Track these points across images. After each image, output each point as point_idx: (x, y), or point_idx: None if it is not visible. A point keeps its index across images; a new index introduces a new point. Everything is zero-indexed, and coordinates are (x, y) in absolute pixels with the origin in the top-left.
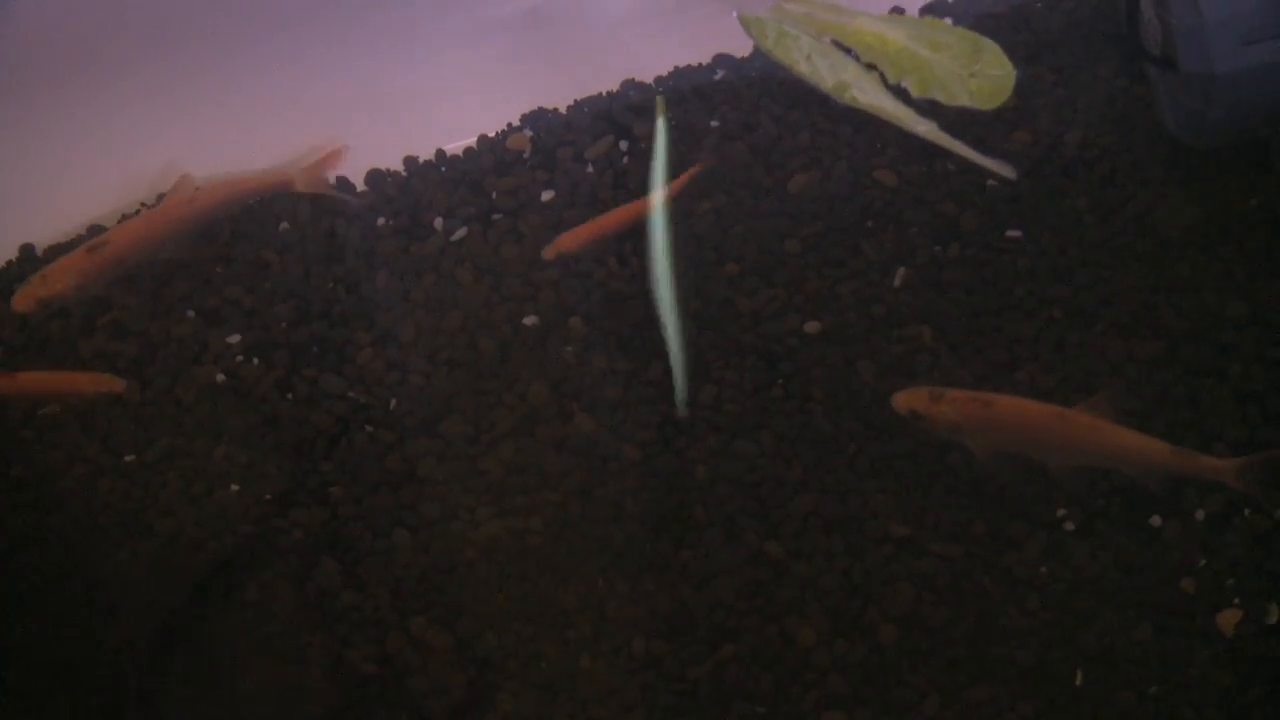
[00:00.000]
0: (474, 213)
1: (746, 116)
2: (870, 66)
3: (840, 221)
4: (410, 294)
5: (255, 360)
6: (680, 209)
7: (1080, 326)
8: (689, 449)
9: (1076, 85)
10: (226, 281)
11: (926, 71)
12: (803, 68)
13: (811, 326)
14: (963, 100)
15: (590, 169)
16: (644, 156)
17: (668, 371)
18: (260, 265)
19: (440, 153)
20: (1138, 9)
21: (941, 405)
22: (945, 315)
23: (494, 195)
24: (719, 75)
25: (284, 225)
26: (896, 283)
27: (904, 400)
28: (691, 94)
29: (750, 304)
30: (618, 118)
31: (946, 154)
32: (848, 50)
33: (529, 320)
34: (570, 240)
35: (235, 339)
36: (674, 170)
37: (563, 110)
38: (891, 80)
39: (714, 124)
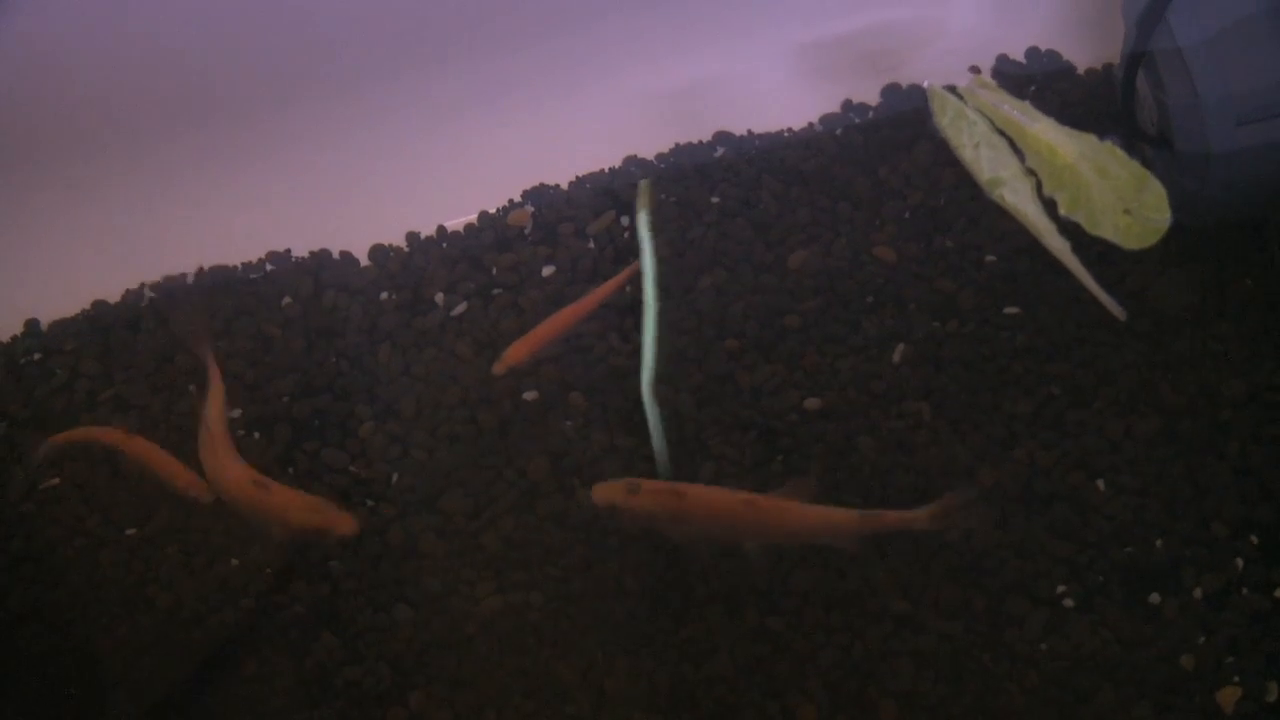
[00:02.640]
0: (475, 288)
1: (747, 193)
2: (1030, 172)
3: (840, 297)
4: (411, 368)
5: (257, 434)
6: (679, 285)
7: (1079, 403)
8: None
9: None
10: (229, 356)
11: (1083, 194)
12: (966, 153)
13: (811, 402)
14: (1106, 233)
15: (591, 244)
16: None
17: (669, 449)
18: (263, 340)
19: (442, 228)
20: (1134, 89)
21: (637, 498)
22: (944, 391)
23: (495, 271)
24: (719, 152)
25: (286, 300)
26: (896, 359)
27: (601, 494)
28: (693, 171)
29: (750, 379)
30: (619, 193)
31: (945, 231)
32: (1016, 150)
33: (529, 395)
34: (519, 351)
35: (237, 413)
36: (671, 250)
37: (564, 186)
38: (1046, 191)
39: (715, 200)
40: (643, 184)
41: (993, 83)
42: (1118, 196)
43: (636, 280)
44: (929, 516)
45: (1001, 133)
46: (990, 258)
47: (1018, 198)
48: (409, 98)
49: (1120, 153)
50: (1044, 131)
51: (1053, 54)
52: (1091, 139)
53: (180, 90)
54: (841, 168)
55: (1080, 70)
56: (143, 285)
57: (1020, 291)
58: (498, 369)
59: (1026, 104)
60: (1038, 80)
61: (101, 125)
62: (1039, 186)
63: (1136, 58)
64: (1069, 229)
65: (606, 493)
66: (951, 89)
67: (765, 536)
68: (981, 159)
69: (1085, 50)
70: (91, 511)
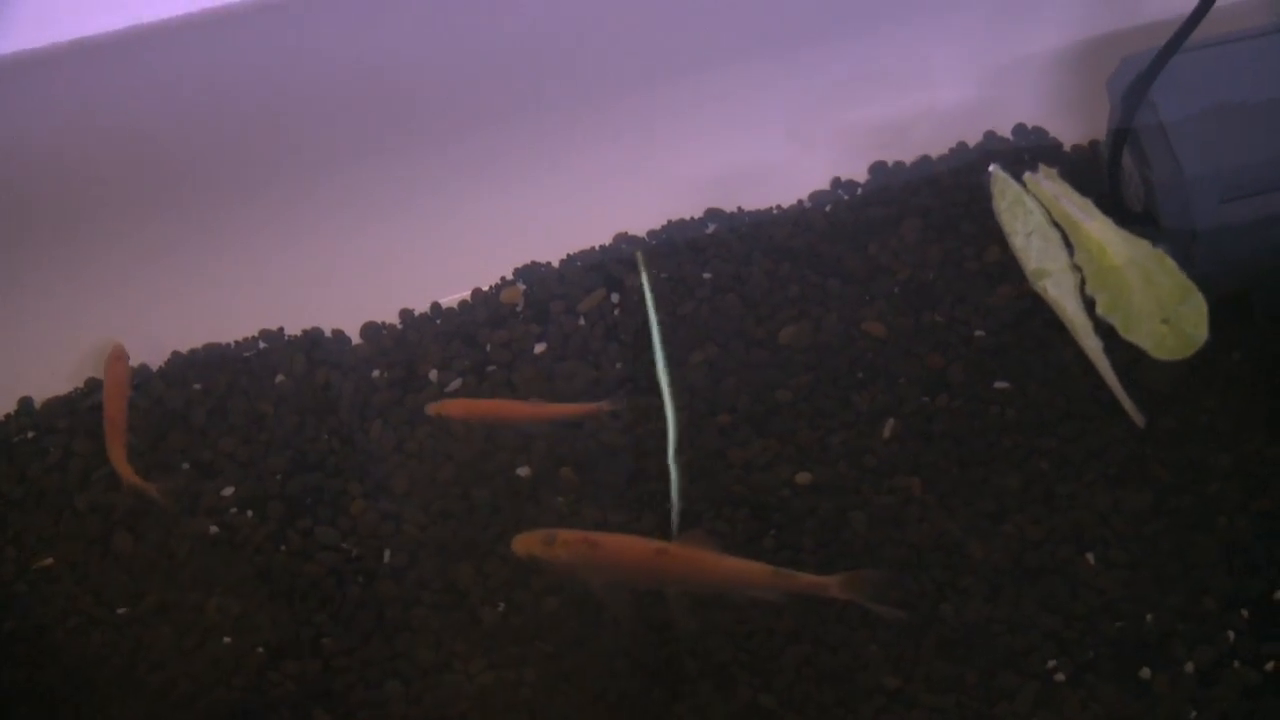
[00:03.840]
0: (468, 365)
1: (738, 269)
2: (1077, 268)
3: (830, 373)
4: (404, 445)
5: (249, 512)
6: (671, 360)
7: (1068, 478)
8: (681, 599)
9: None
10: (221, 434)
11: (1124, 297)
12: (1017, 240)
13: (803, 477)
14: (1140, 339)
15: (582, 321)
16: (635, 309)
17: (659, 523)
18: (256, 418)
19: (435, 305)
20: (1120, 166)
21: (555, 549)
22: (934, 466)
23: (488, 348)
24: (711, 229)
25: (280, 378)
26: (886, 434)
27: (521, 546)
28: (684, 247)
29: (742, 454)
30: (610, 270)
31: (934, 306)
32: (1067, 244)
33: (522, 471)
34: (459, 408)
35: (229, 491)
36: (663, 326)
37: (555, 264)
38: (1089, 289)
39: (706, 276)
40: (638, 255)
41: (1056, 175)
42: (1158, 305)
43: (625, 356)
44: (838, 584)
45: (1056, 225)
46: (979, 333)
47: (1060, 291)
48: (401, 176)
49: (1170, 262)
50: (1098, 230)
51: (1039, 130)
52: (1145, 245)
53: (171, 169)
54: (831, 244)
55: (1067, 147)
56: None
57: (1009, 366)
58: (430, 409)
59: (1089, 202)
60: (1026, 156)
61: (94, 205)
62: (1082, 284)
63: (1121, 134)
64: (1102, 328)
65: (526, 544)
66: (1016, 176)
67: (681, 585)
68: (1031, 248)
69: (1072, 126)
70: (84, 591)
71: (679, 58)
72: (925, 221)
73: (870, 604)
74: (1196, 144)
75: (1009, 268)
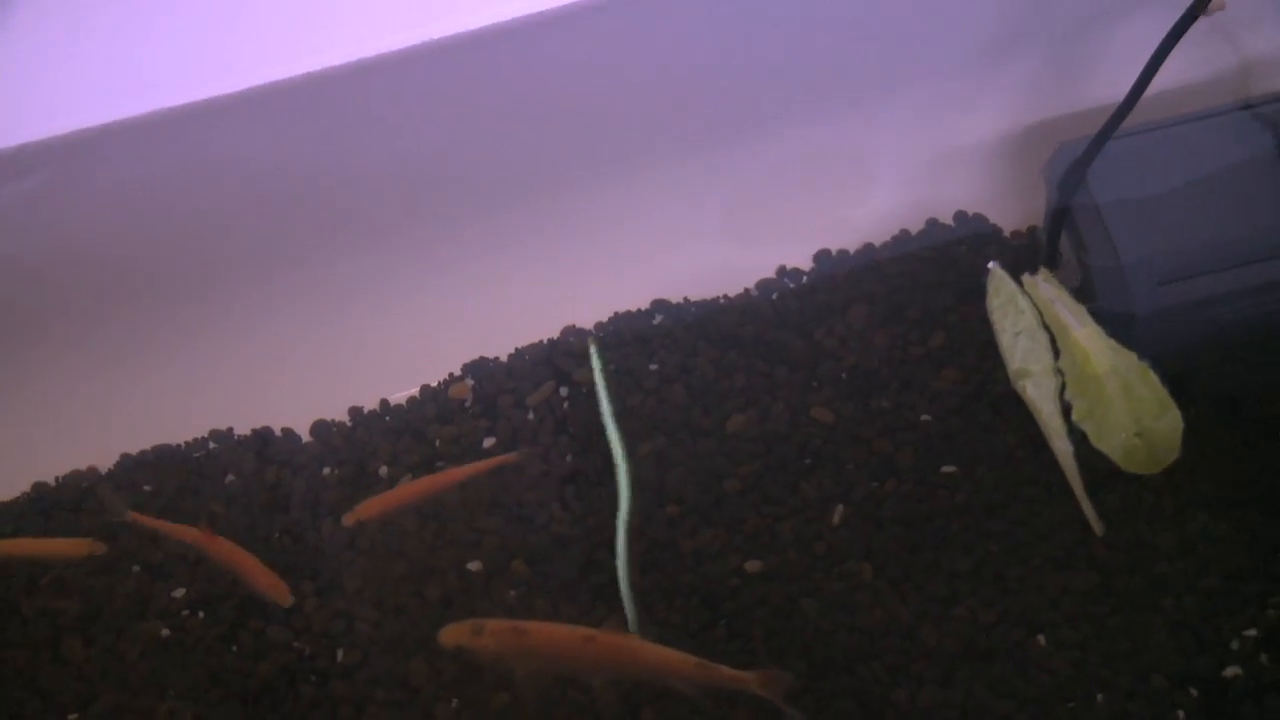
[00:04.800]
0: (418, 460)
1: (684, 359)
2: (1059, 372)
3: (779, 460)
4: (355, 542)
5: (200, 613)
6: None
7: (1017, 560)
8: (634, 692)
9: None
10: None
11: (1100, 406)
12: (1004, 338)
13: (753, 565)
14: (1109, 450)
15: (531, 415)
16: (584, 401)
17: (612, 613)
18: (207, 518)
19: (384, 402)
20: (1058, 251)
21: (483, 639)
22: (884, 551)
23: (437, 443)
24: (657, 320)
25: (230, 478)
26: (835, 520)
27: (449, 636)
28: (631, 339)
29: (692, 544)
30: (558, 363)
31: (881, 392)
32: (1054, 348)
33: (473, 565)
34: (373, 507)
35: (180, 593)
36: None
37: (503, 358)
38: (1068, 394)
39: (653, 367)
40: (591, 343)
41: (1055, 280)
42: (1134, 418)
43: (574, 449)
44: (756, 680)
45: (1046, 328)
46: (925, 417)
47: (1039, 394)
48: (348, 274)
49: (1152, 376)
50: (1085, 337)
51: (980, 217)
52: (1131, 357)
53: (117, 272)
54: (777, 332)
55: (1007, 233)
56: (89, 468)
57: (956, 450)
58: (347, 520)
59: (1083, 309)
60: (966, 243)
61: (39, 308)
62: (1062, 388)
63: (1058, 220)
64: (1075, 434)
65: (453, 635)
66: (1015, 277)
67: (607, 673)
68: (1018, 348)
69: (1012, 213)
70: (32, 696)
71: (622, 152)
72: (870, 308)
73: (782, 703)
74: (1132, 228)
75: (952, 352)
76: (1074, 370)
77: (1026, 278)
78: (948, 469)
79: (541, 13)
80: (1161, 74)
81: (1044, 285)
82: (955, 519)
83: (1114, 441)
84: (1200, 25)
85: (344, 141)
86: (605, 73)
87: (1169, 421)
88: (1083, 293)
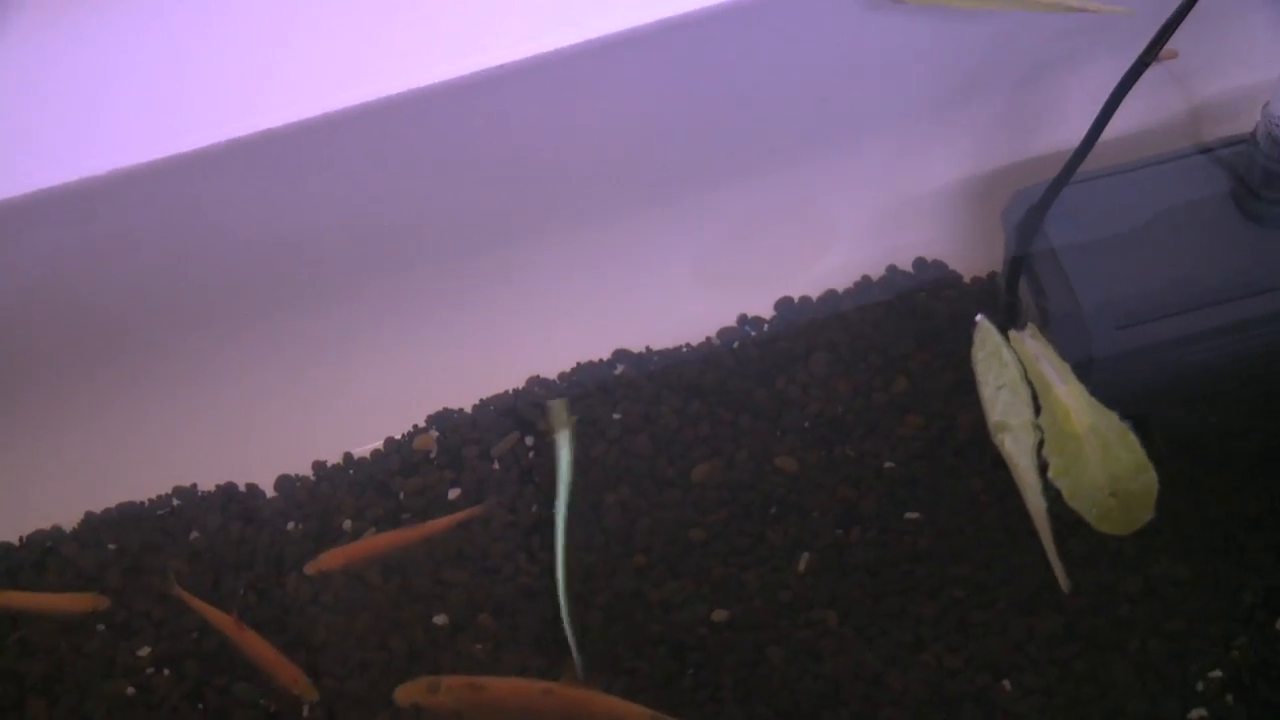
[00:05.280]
0: (382, 513)
1: (648, 409)
2: (1039, 428)
3: (744, 509)
4: (320, 597)
5: (166, 671)
6: (585, 503)
7: (982, 605)
8: None
9: (963, 370)
10: (136, 593)
11: (1077, 465)
12: (986, 390)
13: (719, 615)
14: (1083, 509)
15: (496, 465)
16: (549, 451)
17: (581, 665)
18: (170, 574)
19: (348, 455)
20: (1017, 296)
21: (439, 695)
22: (850, 598)
23: (401, 496)
24: (620, 370)
25: (194, 534)
26: (801, 568)
27: (404, 695)
28: (594, 389)
29: (658, 594)
30: (522, 413)
31: (844, 439)
32: (1035, 404)
33: (439, 619)
34: (336, 558)
35: (145, 651)
36: (576, 469)
37: (468, 409)
38: (1045, 451)
39: (616, 417)
40: (557, 404)
41: (1043, 337)
42: (1110, 478)
43: (539, 499)
44: None
45: (1029, 383)
46: (889, 464)
47: (1017, 448)
48: (309, 327)
49: (1132, 438)
50: (1067, 395)
51: (939, 264)
52: (1112, 417)
53: (78, 329)
54: (740, 380)
55: (967, 279)
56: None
57: (919, 496)
58: (310, 568)
59: (1067, 367)
60: (927, 289)
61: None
62: (1040, 444)
63: (1016, 265)
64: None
65: (408, 693)
66: (1002, 331)
67: None
68: (999, 401)
69: (971, 259)
70: None
71: (584, 203)
72: (833, 355)
73: None
74: (1090, 273)
75: (916, 398)
76: (1053, 427)
77: (1013, 333)
78: (912, 515)
79: (501, 66)
80: (1116, 120)
81: (1030, 341)
82: (920, 565)
83: (1088, 501)
84: (1153, 72)
85: (304, 196)
86: (565, 125)
87: (1144, 483)
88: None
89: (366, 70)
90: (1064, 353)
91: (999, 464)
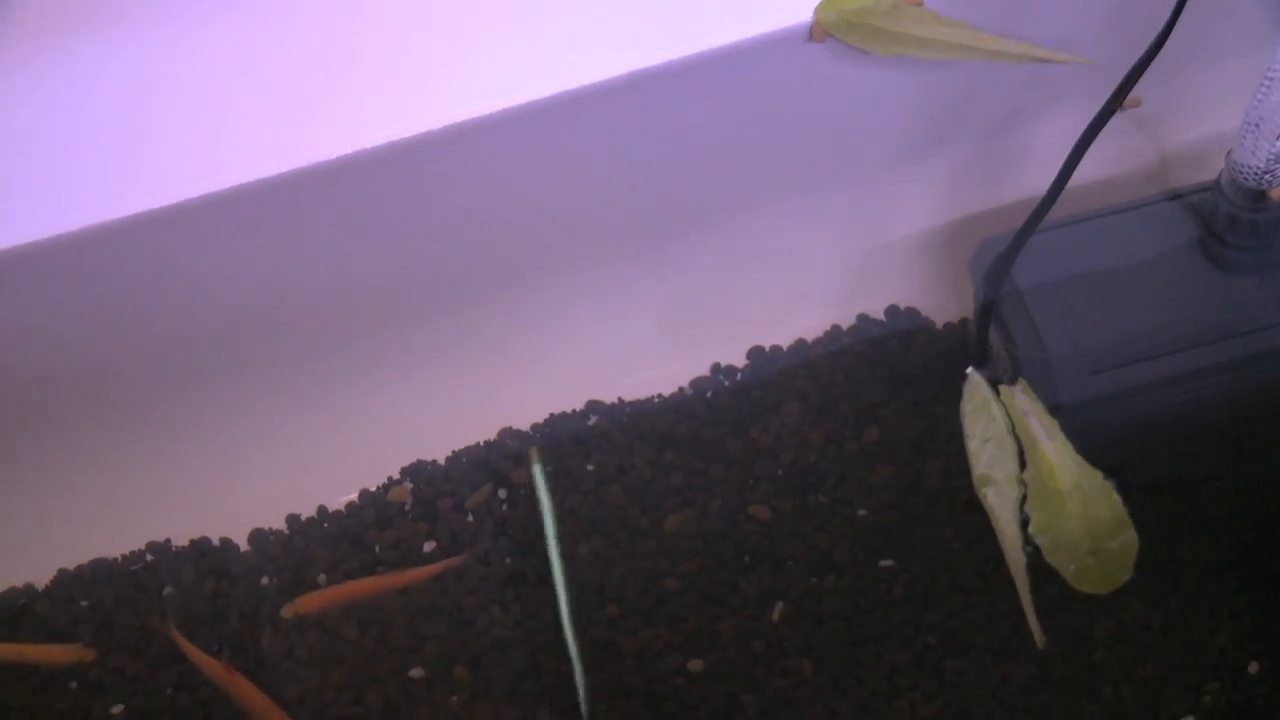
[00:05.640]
0: (356, 566)
1: (621, 459)
2: (1023, 482)
3: (717, 558)
4: (295, 651)
5: None
6: (559, 554)
7: (956, 653)
8: None
9: (935, 417)
10: (110, 650)
11: (1058, 522)
12: (972, 444)
13: (694, 665)
14: (1061, 565)
15: (470, 518)
16: (523, 503)
17: (555, 718)
18: (144, 632)
19: (322, 508)
20: (987, 344)
21: None
22: (825, 647)
23: (377, 549)
24: (592, 420)
25: (168, 590)
26: (775, 617)
27: None
28: (568, 440)
29: (633, 644)
30: (496, 465)
31: (817, 488)
32: (1021, 458)
33: (415, 672)
34: (313, 602)
35: (119, 709)
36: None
37: (441, 461)
38: (1028, 506)
39: (590, 468)
40: (532, 451)
41: (1033, 393)
42: (1090, 536)
43: (514, 551)
44: None
45: (1016, 438)
46: (862, 512)
47: (1000, 502)
48: (282, 381)
49: (1115, 497)
50: (1053, 451)
51: (912, 311)
52: (1096, 476)
53: (49, 385)
54: (713, 430)
55: (939, 326)
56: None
57: (893, 544)
58: (287, 611)
59: (1055, 424)
60: (898, 337)
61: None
62: (1023, 499)
63: (986, 312)
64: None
65: None
66: (993, 385)
67: None
68: (984, 454)
69: (942, 306)
70: None
71: (554, 255)
72: (805, 404)
73: None
74: (1059, 320)
75: (886, 447)
76: (1037, 482)
77: (1004, 388)
78: (885, 563)
79: (472, 120)
80: (1083, 167)
81: (1020, 396)
82: (894, 612)
83: (1067, 558)
84: (1119, 120)
85: (274, 253)
86: (536, 177)
87: (1124, 543)
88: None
89: (334, 125)
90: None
91: (970, 510)
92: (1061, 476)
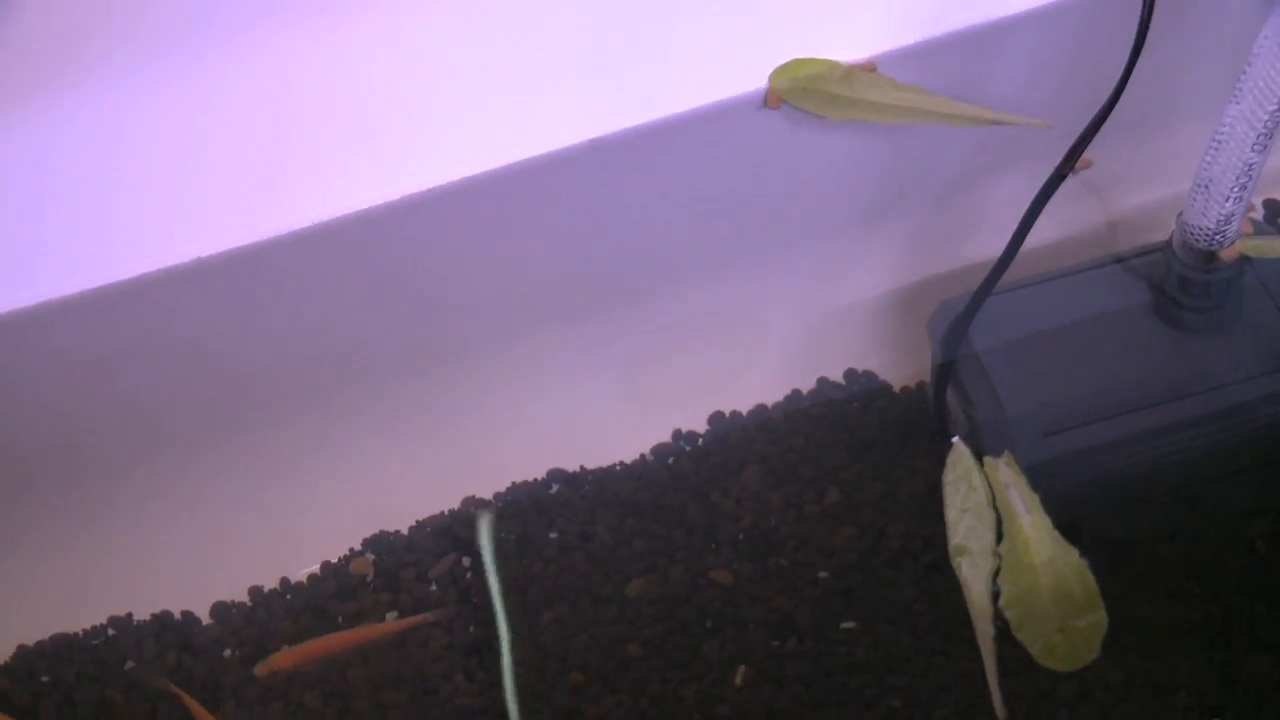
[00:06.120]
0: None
1: (584, 527)
2: (998, 555)
3: (680, 623)
4: None
5: None
6: (522, 621)
7: (920, 714)
8: None
9: (896, 479)
10: None
11: (1028, 597)
12: (951, 513)
13: None
14: (1027, 640)
15: (434, 587)
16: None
17: None
18: (106, 707)
19: (285, 580)
20: (945, 406)
21: None
22: (787, 711)
23: (339, 620)
24: (555, 489)
25: (130, 664)
26: (738, 681)
27: None
28: (530, 508)
29: (596, 710)
30: (459, 534)
31: (778, 551)
32: (998, 530)
33: None
34: (287, 659)
35: None
36: (513, 587)
37: (404, 531)
38: (1000, 579)
39: (553, 536)
40: (483, 519)
41: (1018, 467)
42: (1060, 612)
43: (477, 619)
44: None
45: (996, 509)
46: (824, 574)
47: (973, 573)
48: (241, 454)
49: (1089, 576)
50: (1030, 525)
51: (870, 374)
52: (1072, 553)
53: (8, 459)
54: (674, 495)
55: (897, 388)
56: None
57: (855, 606)
58: (259, 671)
59: (1036, 499)
60: (857, 400)
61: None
62: (997, 571)
63: (943, 375)
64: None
65: None
66: (977, 456)
67: None
68: (962, 524)
69: (900, 369)
70: None
71: (512, 323)
72: (765, 468)
73: None
74: (1016, 381)
75: (848, 509)
76: (1012, 556)
77: (988, 459)
78: (847, 625)
79: (429, 190)
80: (1038, 229)
81: (1004, 469)
82: (857, 675)
83: (1035, 633)
84: (1072, 183)
85: (230, 324)
86: (494, 246)
87: (1094, 622)
88: (972, 447)
89: (290, 198)
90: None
91: (934, 571)
92: (1037, 551)
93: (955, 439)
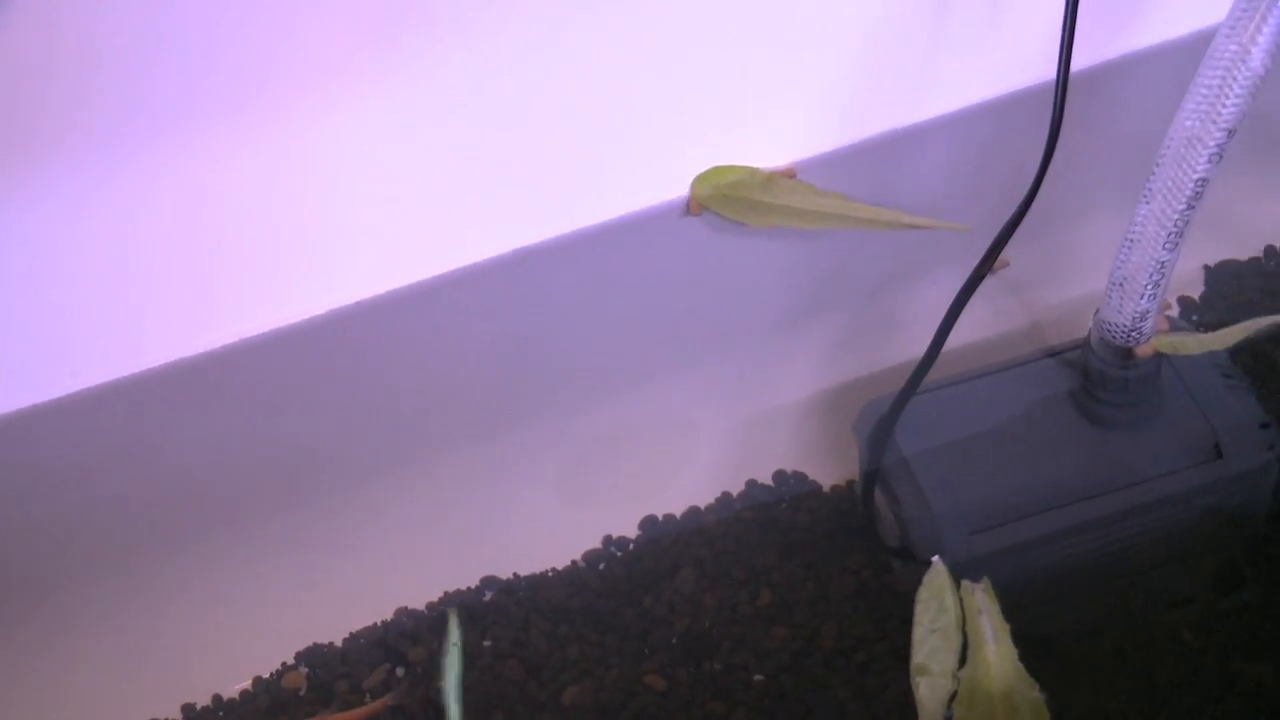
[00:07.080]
0: None
1: (517, 634)
2: (958, 679)
3: None
4: None
5: None
6: None
7: None
8: None
9: (827, 579)
10: None
11: (984, 707)
12: (918, 631)
13: None
14: None
15: (368, 698)
16: (420, 680)
17: None
18: None
19: (217, 698)
20: (873, 505)
21: None
22: None
23: None
24: (488, 597)
25: None
26: None
27: None
28: (464, 617)
29: None
30: (392, 644)
31: (712, 654)
32: (963, 654)
33: None
34: None
35: None
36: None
37: (338, 643)
38: (955, 703)
39: (487, 644)
40: (453, 615)
41: (993, 594)
42: (1009, 713)
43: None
44: None
45: (964, 634)
46: (758, 677)
47: (929, 694)
48: (169, 568)
49: (1045, 711)
50: (994, 654)
51: (799, 475)
52: (1033, 688)
53: None
54: (607, 601)
55: (826, 488)
56: None
57: (790, 708)
58: None
59: (1007, 629)
60: (787, 501)
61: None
62: (954, 695)
63: (870, 476)
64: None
65: None
66: (954, 578)
67: None
68: (927, 644)
69: (828, 469)
70: None
71: (441, 432)
72: (698, 571)
73: None
74: (942, 480)
75: (781, 610)
76: (971, 681)
77: (965, 583)
78: None
79: (358, 303)
80: (959, 330)
81: (979, 594)
82: None
83: None
84: (991, 282)
85: (162, 437)
86: (419, 355)
87: None
88: (901, 547)
89: (207, 313)
90: (922, 559)
91: (865, 671)
92: (997, 679)
93: (935, 559)
